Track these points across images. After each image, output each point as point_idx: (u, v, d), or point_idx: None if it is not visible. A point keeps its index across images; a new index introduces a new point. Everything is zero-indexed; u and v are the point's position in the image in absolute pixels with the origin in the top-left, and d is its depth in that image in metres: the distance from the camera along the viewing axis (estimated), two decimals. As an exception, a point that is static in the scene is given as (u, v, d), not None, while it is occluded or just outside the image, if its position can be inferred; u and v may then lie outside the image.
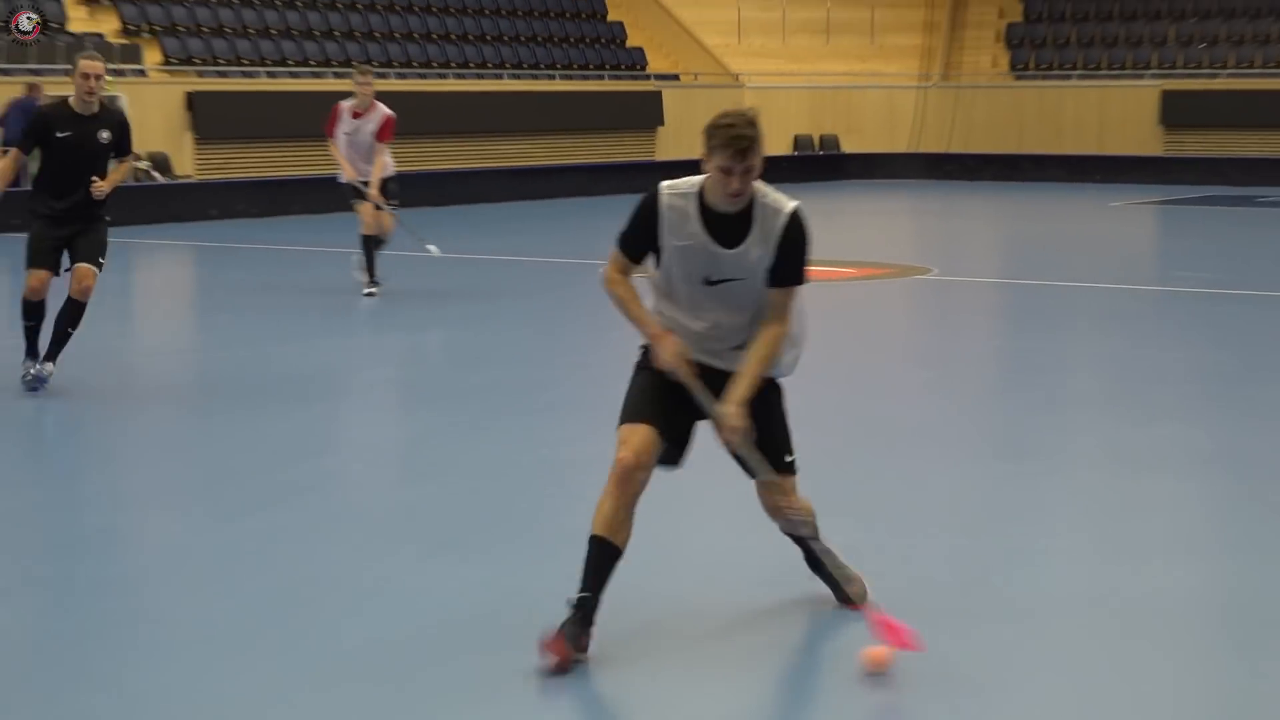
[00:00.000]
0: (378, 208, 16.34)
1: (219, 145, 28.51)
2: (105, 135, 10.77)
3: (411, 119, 29.53)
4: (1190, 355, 13.65)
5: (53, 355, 10.99)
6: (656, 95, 34.82)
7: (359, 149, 16.39)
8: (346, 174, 16.33)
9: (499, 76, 32.87)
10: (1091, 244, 22.58)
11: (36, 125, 10.91)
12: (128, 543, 8.70)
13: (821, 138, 36.66)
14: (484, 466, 9.59)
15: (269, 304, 17.44)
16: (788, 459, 5.92)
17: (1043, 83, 37.09)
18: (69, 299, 10.89)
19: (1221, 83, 34.76)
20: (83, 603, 7.65)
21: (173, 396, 12.29)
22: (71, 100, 10.82)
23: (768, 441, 5.82)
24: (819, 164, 35.56)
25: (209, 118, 28.39)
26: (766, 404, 5.78)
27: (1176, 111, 34.43)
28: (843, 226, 25.46)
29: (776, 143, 35.20)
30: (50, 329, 11.01)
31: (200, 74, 29.63)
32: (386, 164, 16.69)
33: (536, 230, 24.61)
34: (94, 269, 10.88)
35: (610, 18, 38.70)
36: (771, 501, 5.99)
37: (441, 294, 17.23)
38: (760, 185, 5.52)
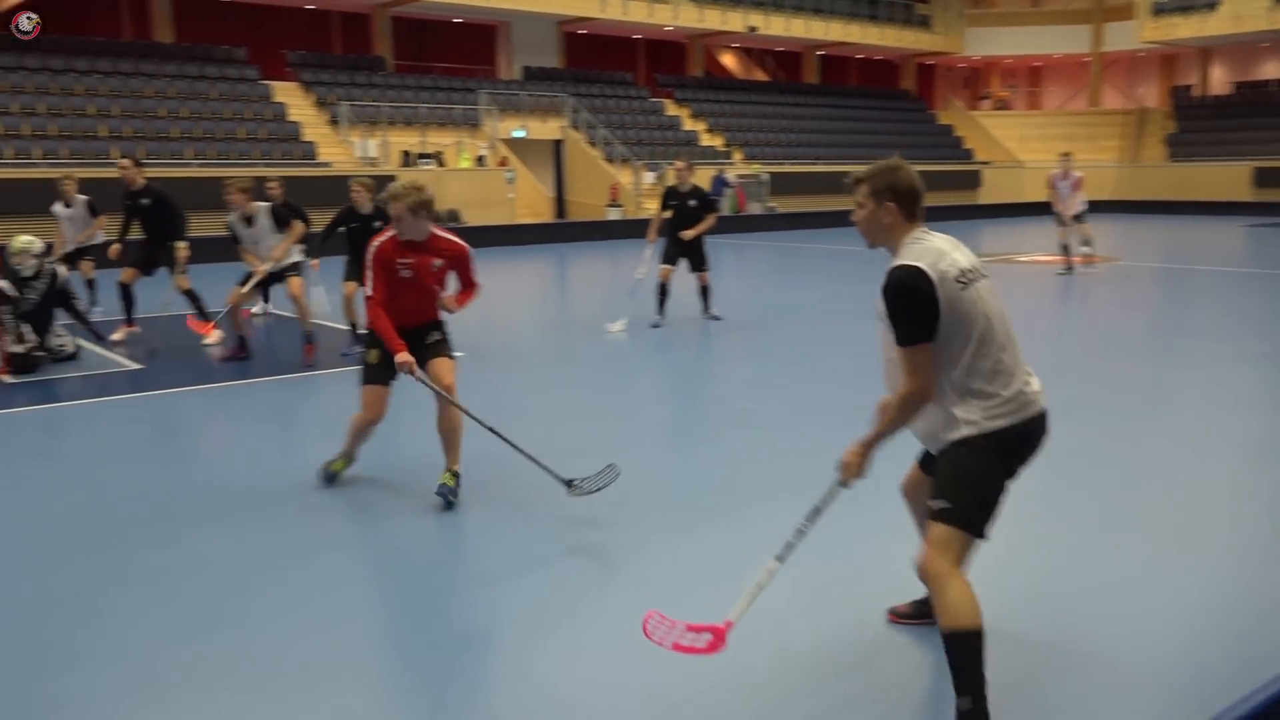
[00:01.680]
0: None
1: (779, 196, 28.73)
2: (693, 203, 10.11)
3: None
4: None
5: (708, 305, 10.57)
6: (977, 172, 34.11)
7: None
8: None
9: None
10: (1216, 247, 20.81)
11: (664, 197, 10.31)
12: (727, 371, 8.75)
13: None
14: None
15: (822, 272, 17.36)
16: (935, 504, 2.97)
17: (1184, 163, 34.21)
18: (700, 287, 10.48)
19: (1289, 163, 31.90)
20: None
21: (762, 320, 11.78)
22: (675, 182, 10.28)
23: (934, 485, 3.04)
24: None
25: (777, 184, 28.96)
26: (945, 455, 3.01)
27: (1263, 177, 31.57)
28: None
29: (1040, 194, 34.13)
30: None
31: (764, 164, 30.26)
32: None
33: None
34: (705, 272, 10.34)
35: (940, 122, 37.35)
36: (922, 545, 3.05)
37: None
38: (906, 242, 3.04)
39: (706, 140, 30.63)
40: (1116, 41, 37.95)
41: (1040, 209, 32.53)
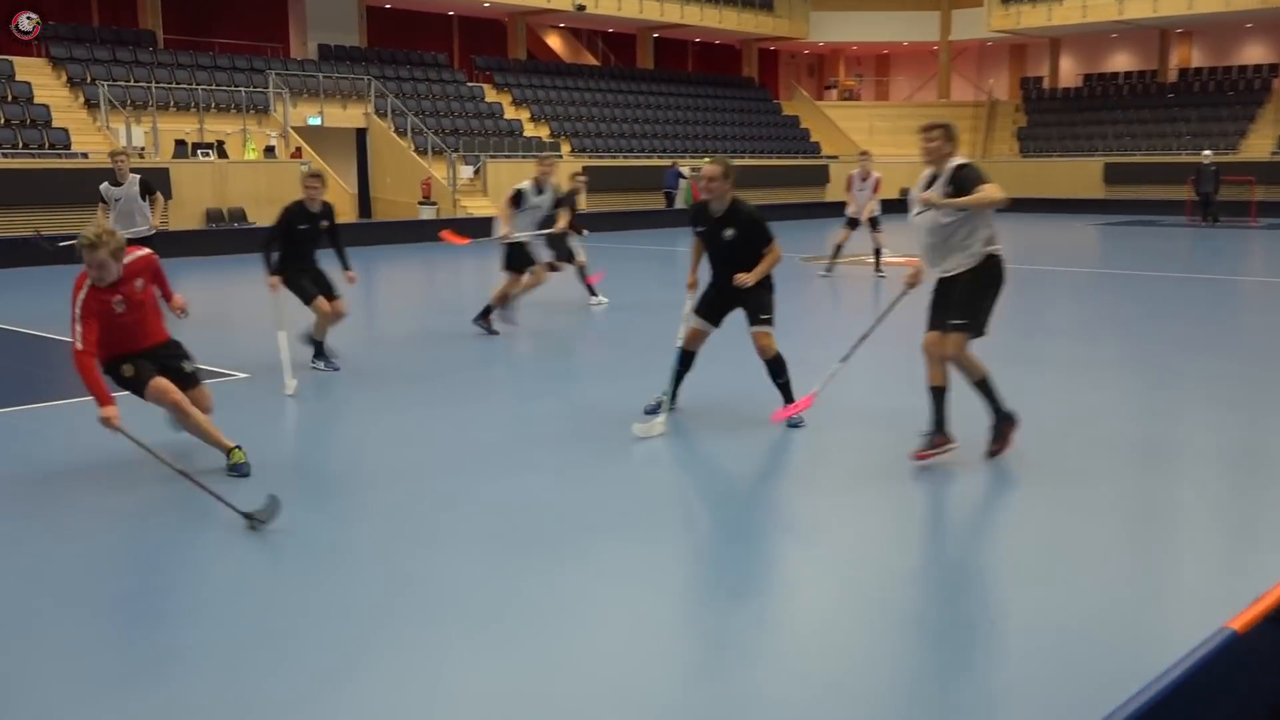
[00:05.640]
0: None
1: (604, 193, 28.70)
2: (729, 233, 6.80)
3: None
4: None
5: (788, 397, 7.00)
6: (824, 167, 35.17)
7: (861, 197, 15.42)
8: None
9: (747, 154, 33.18)
10: (1067, 246, 21.96)
11: (690, 220, 7.09)
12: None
13: (908, 189, 36.23)
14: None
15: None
16: (952, 320, 5.74)
17: (1035, 158, 36.26)
18: (764, 361, 6.95)
19: (1140, 157, 34.23)
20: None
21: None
22: (710, 203, 6.87)
23: (951, 307, 5.76)
24: (903, 205, 35.29)
25: (603, 180, 29.17)
26: (958, 281, 5.76)
27: (1113, 174, 33.71)
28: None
29: (889, 191, 35.42)
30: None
31: (593, 156, 30.51)
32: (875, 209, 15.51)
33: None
34: (764, 330, 6.87)
35: (785, 113, 38.50)
36: (936, 351, 5.85)
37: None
38: (957, 158, 5.71)
39: (531, 130, 30.63)
40: (965, 30, 39.99)
41: (893, 206, 33.99)
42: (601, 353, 10.47)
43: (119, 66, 24.98)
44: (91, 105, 23.64)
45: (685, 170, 28.38)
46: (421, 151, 26.95)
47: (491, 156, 27.57)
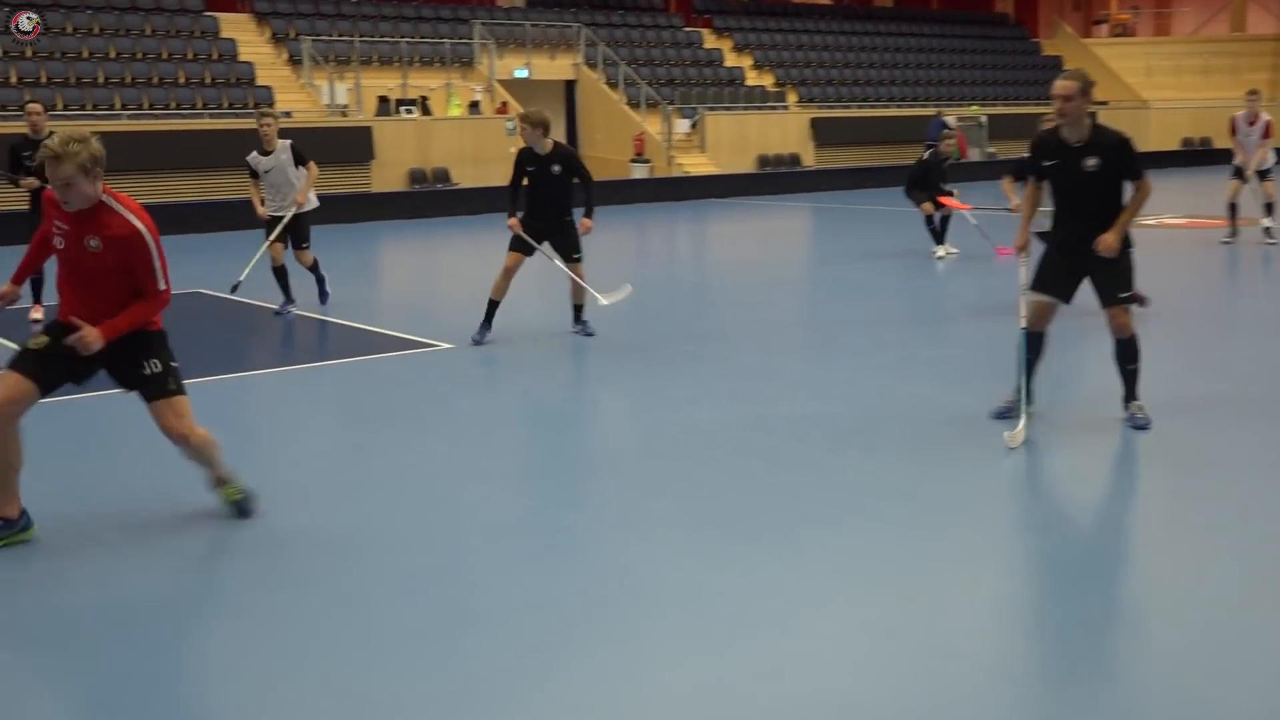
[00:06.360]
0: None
1: (833, 147, 28.24)
2: (1091, 163, 5.66)
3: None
4: None
5: (1131, 394, 6.06)
6: (1091, 115, 32.92)
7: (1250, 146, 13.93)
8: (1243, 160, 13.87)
9: (1000, 101, 31.59)
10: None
11: (1032, 154, 6.01)
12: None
13: (1200, 139, 33.15)
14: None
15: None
16: None
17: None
18: (1115, 341, 5.96)
19: None
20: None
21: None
22: (1062, 129, 5.75)
23: None
24: (1197, 155, 31.85)
25: (833, 132, 28.28)
26: None
27: None
28: (1203, 194, 23.56)
29: (1169, 142, 32.93)
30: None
31: (823, 107, 29.61)
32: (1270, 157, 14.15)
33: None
34: (1125, 307, 5.87)
35: (1046, 53, 36.21)
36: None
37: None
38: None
39: (753, 79, 29.80)
40: (1265, -51, 36.78)
41: (1172, 159, 31.49)
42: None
43: (322, 20, 25.57)
44: (295, 62, 24.23)
45: (951, 120, 26.93)
46: (634, 104, 26.52)
47: (710, 109, 26.88)
